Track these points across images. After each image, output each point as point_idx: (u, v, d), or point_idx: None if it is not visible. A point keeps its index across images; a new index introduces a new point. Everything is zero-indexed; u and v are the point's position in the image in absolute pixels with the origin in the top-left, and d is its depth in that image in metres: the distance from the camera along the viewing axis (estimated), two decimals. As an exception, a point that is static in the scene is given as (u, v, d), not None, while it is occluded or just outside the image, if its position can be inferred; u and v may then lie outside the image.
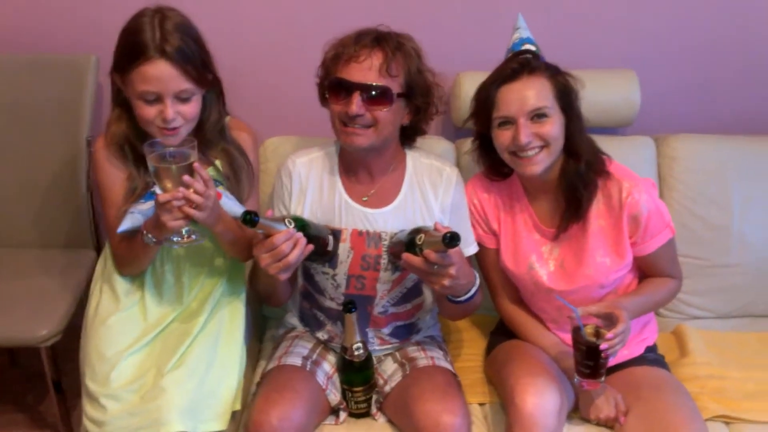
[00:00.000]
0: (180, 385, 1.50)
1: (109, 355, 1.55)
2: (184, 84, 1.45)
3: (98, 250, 2.22)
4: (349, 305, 1.63)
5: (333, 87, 1.55)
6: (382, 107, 1.53)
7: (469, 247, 1.72)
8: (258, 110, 1.93)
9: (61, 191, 2.16)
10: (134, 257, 1.60)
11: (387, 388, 1.69)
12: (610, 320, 1.53)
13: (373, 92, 1.51)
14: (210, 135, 1.59)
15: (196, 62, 1.47)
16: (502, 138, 1.60)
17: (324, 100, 1.62)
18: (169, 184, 1.39)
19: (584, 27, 2.20)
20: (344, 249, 1.66)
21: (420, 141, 1.77)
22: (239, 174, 1.63)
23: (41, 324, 1.87)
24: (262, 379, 1.67)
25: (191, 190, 1.39)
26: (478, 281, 1.58)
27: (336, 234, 1.64)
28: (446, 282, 1.44)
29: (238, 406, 1.59)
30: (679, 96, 2.27)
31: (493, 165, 1.73)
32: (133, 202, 1.55)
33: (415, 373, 1.66)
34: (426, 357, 1.72)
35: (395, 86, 1.53)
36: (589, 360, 1.53)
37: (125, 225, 1.52)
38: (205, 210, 1.42)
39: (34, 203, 2.18)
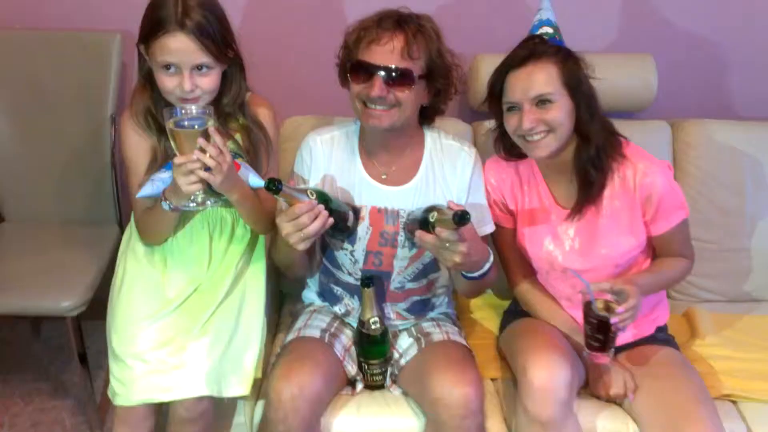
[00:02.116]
0: (205, 352, 1.56)
1: (135, 320, 1.61)
2: (203, 57, 1.50)
3: (121, 225, 2.28)
4: (367, 280, 1.67)
5: (355, 69, 1.57)
6: (404, 89, 1.56)
7: (485, 226, 1.75)
8: (279, 89, 1.96)
9: (86, 167, 2.22)
10: (155, 225, 1.65)
11: (402, 362, 1.74)
12: (621, 296, 1.56)
13: (395, 74, 1.54)
14: (230, 109, 1.64)
15: (216, 38, 1.51)
16: (510, 122, 1.64)
17: (344, 82, 1.65)
18: (185, 148, 1.44)
19: (603, 11, 2.23)
20: (363, 226, 1.69)
21: (438, 122, 1.80)
22: (258, 148, 1.68)
23: (67, 295, 1.93)
24: (281, 350, 1.72)
25: (207, 155, 1.43)
26: (491, 258, 1.61)
27: (356, 210, 1.68)
28: (458, 259, 1.47)
29: (259, 374, 1.65)
30: (696, 81, 2.30)
31: (511, 147, 1.76)
32: (156, 172, 1.60)
33: (431, 347, 1.70)
34: (441, 332, 1.76)
35: (416, 68, 1.56)
36: (599, 334, 1.57)
37: (145, 191, 1.58)
38: (220, 174, 1.46)
39: (59, 179, 2.24)
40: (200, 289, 1.69)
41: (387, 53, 1.53)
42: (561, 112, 1.60)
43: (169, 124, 1.45)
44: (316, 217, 1.45)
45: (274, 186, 1.37)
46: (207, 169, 1.44)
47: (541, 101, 1.59)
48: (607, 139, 1.67)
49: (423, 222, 1.51)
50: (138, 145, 1.64)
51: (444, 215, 1.44)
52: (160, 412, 1.64)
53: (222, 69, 1.58)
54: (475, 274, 1.59)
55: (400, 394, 1.74)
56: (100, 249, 2.11)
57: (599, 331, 1.57)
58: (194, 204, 1.52)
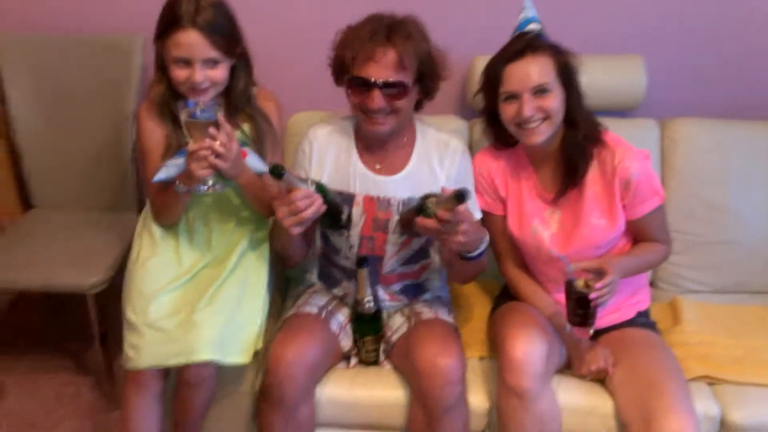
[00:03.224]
0: (211, 320, 1.69)
1: (147, 292, 1.76)
2: (212, 52, 1.67)
3: (140, 213, 2.43)
4: (362, 261, 1.80)
5: (353, 84, 1.69)
6: (401, 98, 1.69)
7: (474, 212, 1.83)
8: (286, 85, 2.10)
9: (109, 160, 2.39)
10: (168, 206, 1.80)
11: (393, 338, 1.86)
12: (599, 274, 1.67)
13: (391, 87, 1.66)
14: (237, 101, 1.79)
15: (225, 34, 1.68)
16: (507, 111, 1.75)
17: (338, 82, 1.77)
18: (197, 137, 1.60)
19: (592, 13, 2.32)
20: (357, 212, 1.82)
21: (436, 120, 1.91)
22: (263, 138, 1.83)
23: (89, 273, 2.10)
24: (281, 323, 1.86)
25: (217, 142, 1.59)
26: (487, 236, 1.71)
27: (349, 200, 1.81)
28: (460, 238, 1.56)
29: (260, 345, 1.78)
30: (685, 80, 2.38)
31: (500, 136, 1.88)
32: (169, 158, 1.75)
33: (418, 325, 1.82)
34: (431, 311, 1.88)
35: (410, 77, 1.68)
36: (580, 309, 1.68)
37: (160, 175, 1.73)
38: (228, 161, 1.62)
39: (84, 170, 2.42)
40: (209, 265, 1.83)
41: (382, 68, 1.64)
42: (556, 100, 1.71)
43: (183, 115, 1.62)
44: (311, 204, 1.57)
45: (277, 171, 1.50)
46: (217, 156, 1.60)
47: (539, 91, 1.70)
48: (591, 127, 1.79)
49: (420, 209, 1.61)
50: (153, 133, 1.80)
51: (442, 197, 1.54)
52: (167, 377, 1.78)
53: (230, 64, 1.74)
54: (474, 254, 1.68)
55: (391, 369, 1.86)
56: (121, 233, 2.26)
57: (580, 306, 1.68)
58: (205, 187, 1.68)
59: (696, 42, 2.34)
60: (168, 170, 1.73)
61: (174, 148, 1.76)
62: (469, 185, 1.87)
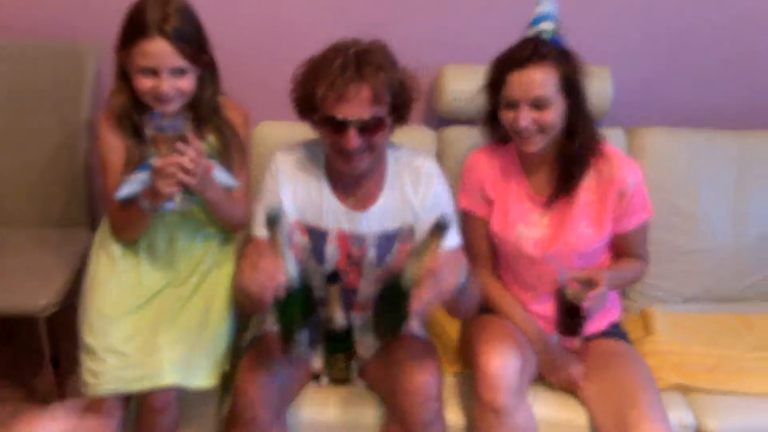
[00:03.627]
0: (175, 343, 1.61)
1: (107, 313, 1.66)
2: (179, 61, 1.59)
3: (93, 228, 2.32)
4: (333, 277, 1.71)
5: (326, 123, 1.58)
6: (377, 132, 1.58)
7: (456, 236, 1.70)
8: (251, 94, 2.03)
9: (59, 172, 2.26)
10: (131, 224, 1.71)
11: (366, 356, 1.80)
12: (589, 285, 1.65)
13: (367, 124, 1.55)
14: (204, 112, 1.71)
15: (192, 43, 1.61)
16: (507, 116, 1.71)
17: (305, 118, 1.66)
18: (164, 152, 1.52)
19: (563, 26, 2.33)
20: (331, 249, 1.72)
21: (404, 130, 1.84)
22: (230, 150, 1.74)
23: (39, 295, 1.96)
24: (248, 344, 1.78)
25: (186, 158, 1.51)
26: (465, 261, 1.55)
27: (322, 237, 1.71)
28: (453, 281, 1.43)
29: (227, 367, 1.71)
30: (650, 90, 2.40)
31: (499, 134, 1.83)
32: (131, 172, 1.66)
33: (394, 342, 1.75)
34: (404, 327, 1.82)
35: (384, 110, 1.57)
36: (570, 318, 1.67)
37: (123, 191, 1.63)
38: (196, 177, 1.54)
39: (33, 184, 2.28)
40: (172, 283, 1.75)
41: (356, 106, 1.53)
42: (555, 113, 1.68)
43: (149, 129, 1.53)
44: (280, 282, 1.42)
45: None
46: (185, 172, 1.52)
47: (538, 104, 1.67)
48: (589, 137, 1.76)
49: (399, 294, 1.44)
50: (114, 145, 1.71)
51: (418, 247, 1.41)
52: (128, 404, 1.69)
53: (197, 73, 1.66)
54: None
55: (364, 387, 1.80)
56: (72, 251, 2.15)
57: (570, 315, 1.67)
58: (172, 205, 1.60)
59: (660, 52, 2.35)
60: (132, 186, 1.64)
61: (136, 160, 1.67)
62: (446, 207, 1.74)
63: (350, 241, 1.72)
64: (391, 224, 1.71)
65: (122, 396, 1.64)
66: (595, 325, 1.86)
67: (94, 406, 1.63)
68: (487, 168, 1.86)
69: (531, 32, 1.73)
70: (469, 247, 1.84)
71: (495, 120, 1.78)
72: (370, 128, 1.56)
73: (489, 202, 1.86)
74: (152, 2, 1.59)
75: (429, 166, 1.76)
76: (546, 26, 1.72)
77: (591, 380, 1.74)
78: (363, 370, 1.81)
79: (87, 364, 1.64)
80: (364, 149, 1.59)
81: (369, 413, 1.75)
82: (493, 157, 1.87)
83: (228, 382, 1.73)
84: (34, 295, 1.97)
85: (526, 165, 1.84)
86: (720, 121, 2.35)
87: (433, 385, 1.61)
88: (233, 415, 1.64)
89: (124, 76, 1.67)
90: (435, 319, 2.10)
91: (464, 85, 2.18)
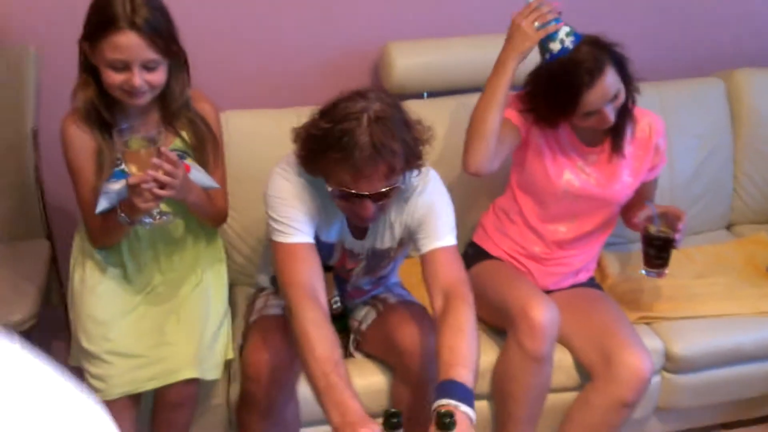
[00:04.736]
0: (186, 338, 1.63)
1: (103, 318, 1.65)
2: (151, 54, 1.53)
3: (51, 239, 2.25)
4: (327, 266, 1.73)
5: (341, 193, 1.51)
6: (392, 196, 1.55)
7: (446, 236, 1.64)
8: (213, 82, 2.02)
9: (8, 183, 2.17)
10: (109, 233, 1.67)
11: (363, 327, 1.87)
12: (666, 219, 1.85)
13: (384, 194, 1.51)
14: (175, 105, 1.66)
15: (163, 33, 1.54)
16: (588, 121, 1.82)
17: (309, 173, 1.57)
18: (135, 168, 1.48)
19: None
20: (335, 258, 1.75)
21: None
22: (205, 145, 1.71)
23: (14, 310, 1.90)
24: (248, 329, 1.81)
25: (160, 172, 1.47)
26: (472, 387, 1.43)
27: (330, 248, 1.72)
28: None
29: (231, 355, 1.74)
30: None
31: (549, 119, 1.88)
32: (105, 180, 1.60)
33: (389, 309, 1.83)
34: (394, 296, 1.90)
35: (400, 177, 1.53)
36: (665, 251, 1.85)
37: (102, 206, 1.59)
38: (174, 188, 1.51)
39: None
40: (163, 282, 1.74)
41: (373, 182, 1.47)
42: (624, 95, 1.81)
43: (119, 145, 1.49)
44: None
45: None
46: (162, 186, 1.49)
47: (614, 98, 1.78)
48: (633, 96, 1.88)
49: None
50: (83, 148, 1.64)
51: None
52: (140, 403, 1.69)
53: (167, 64, 1.60)
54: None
55: (363, 358, 1.88)
56: (35, 263, 2.08)
57: (663, 249, 1.86)
58: (150, 220, 1.56)
59: (583, 11, 2.48)
60: (109, 197, 1.59)
61: (108, 162, 1.62)
62: (439, 213, 1.65)
63: (348, 255, 1.75)
64: (381, 244, 1.73)
65: (133, 397, 1.64)
66: (579, 278, 2.05)
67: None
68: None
69: (556, 47, 1.75)
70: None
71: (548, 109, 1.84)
72: (385, 195, 1.52)
73: (527, 122, 1.90)
74: None
75: (421, 190, 1.65)
76: (565, 30, 1.75)
77: (572, 320, 1.89)
78: (360, 342, 1.88)
79: (92, 370, 1.62)
80: (378, 209, 1.56)
81: (375, 380, 1.83)
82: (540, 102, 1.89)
83: (236, 369, 1.76)
84: (8, 311, 1.90)
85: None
86: (643, 73, 2.54)
87: (433, 342, 1.69)
88: (247, 401, 1.68)
89: (89, 69, 1.60)
90: (413, 285, 2.17)
91: (411, 60, 2.26)
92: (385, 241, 1.72)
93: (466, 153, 1.85)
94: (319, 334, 1.44)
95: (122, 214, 1.56)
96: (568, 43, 1.74)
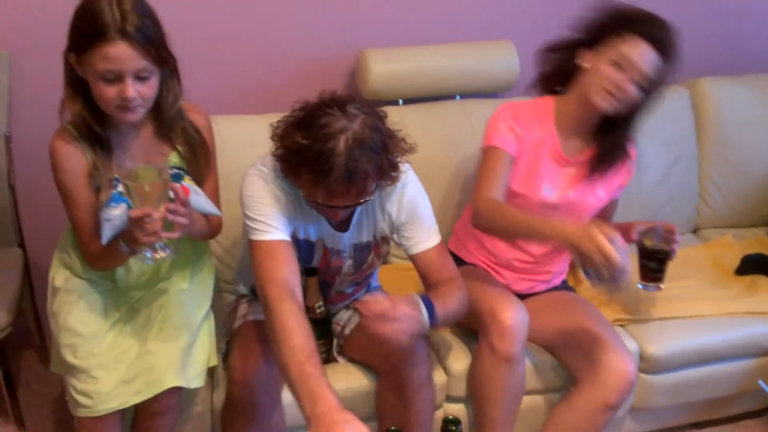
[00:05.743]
0: (168, 346, 1.61)
1: (89, 333, 1.61)
2: (144, 63, 1.46)
3: (23, 247, 2.21)
4: (311, 270, 1.76)
5: (314, 201, 1.54)
6: (363, 204, 1.59)
7: (428, 240, 1.71)
8: (198, 89, 2.00)
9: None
10: (109, 259, 1.62)
11: (347, 331, 1.87)
12: (656, 232, 1.88)
13: (355, 205, 1.57)
14: (169, 115, 1.60)
15: (155, 41, 1.47)
16: (608, 72, 1.75)
17: (287, 173, 1.56)
18: (139, 201, 1.42)
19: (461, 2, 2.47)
20: (317, 257, 1.75)
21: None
22: (198, 157, 1.66)
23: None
24: (232, 335, 1.80)
25: (160, 210, 1.42)
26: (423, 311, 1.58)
27: (311, 247, 1.73)
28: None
29: (214, 362, 1.72)
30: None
31: (557, 76, 1.91)
32: (104, 206, 1.54)
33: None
34: (377, 299, 1.91)
35: (372, 191, 1.54)
36: (661, 265, 1.88)
37: (107, 235, 1.53)
38: (182, 230, 1.48)
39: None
40: (147, 292, 1.72)
41: (345, 200, 1.51)
42: (636, 94, 1.77)
43: (124, 178, 1.42)
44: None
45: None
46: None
47: (639, 81, 1.74)
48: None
49: None
50: (77, 170, 1.56)
51: None
52: (123, 415, 1.65)
53: (159, 73, 1.54)
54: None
55: (346, 362, 1.88)
56: (8, 272, 2.06)
57: (660, 263, 1.88)
58: (150, 254, 1.50)
59: (560, 24, 2.56)
60: (113, 227, 1.52)
61: (104, 181, 1.55)
62: (422, 215, 1.72)
63: (330, 253, 1.75)
64: (365, 237, 1.74)
65: (119, 410, 1.60)
66: (552, 282, 2.08)
67: (90, 425, 1.60)
68: (525, 116, 1.90)
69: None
70: (484, 171, 1.86)
71: (560, 72, 1.86)
72: (357, 205, 1.58)
73: (519, 141, 1.88)
74: (106, 0, 1.43)
75: (400, 185, 1.67)
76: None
77: (553, 323, 1.93)
78: (343, 347, 1.89)
79: (78, 386, 1.58)
80: (350, 212, 1.63)
81: (359, 384, 1.83)
82: (532, 114, 1.91)
83: (221, 376, 1.75)
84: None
85: (560, 131, 1.91)
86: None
87: (422, 346, 1.72)
88: (233, 406, 1.68)
89: (75, 82, 1.52)
90: (393, 288, 2.18)
91: (387, 66, 2.29)
92: (369, 232, 1.74)
93: (478, 216, 1.83)
94: (296, 324, 1.45)
95: (123, 243, 1.50)
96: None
